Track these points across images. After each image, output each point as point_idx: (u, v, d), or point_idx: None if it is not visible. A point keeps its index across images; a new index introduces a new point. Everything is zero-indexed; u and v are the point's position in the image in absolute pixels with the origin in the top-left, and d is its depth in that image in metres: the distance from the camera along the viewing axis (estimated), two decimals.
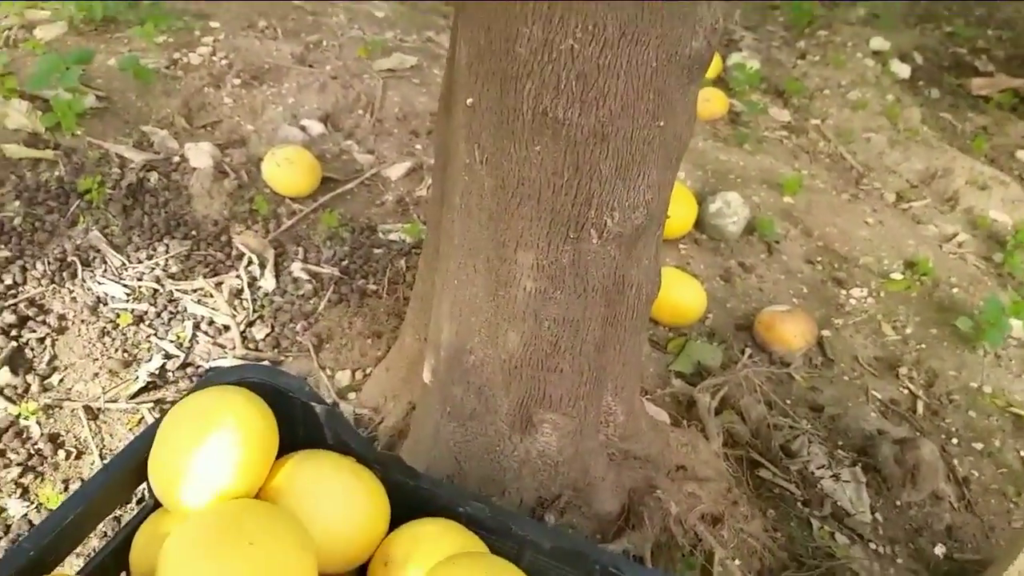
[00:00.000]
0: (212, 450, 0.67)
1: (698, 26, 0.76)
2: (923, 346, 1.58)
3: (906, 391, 1.47)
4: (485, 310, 0.94)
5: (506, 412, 0.99)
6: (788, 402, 1.37)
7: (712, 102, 2.31)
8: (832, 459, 1.26)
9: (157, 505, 0.75)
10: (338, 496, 0.73)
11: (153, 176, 1.73)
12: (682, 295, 1.50)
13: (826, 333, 1.57)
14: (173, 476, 0.68)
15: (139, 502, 1.07)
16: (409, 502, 0.78)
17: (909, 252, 1.84)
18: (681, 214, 1.76)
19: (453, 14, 0.88)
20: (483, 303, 0.93)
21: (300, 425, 0.80)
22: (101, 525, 1.07)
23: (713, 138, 2.23)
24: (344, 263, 1.61)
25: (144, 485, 0.74)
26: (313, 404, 0.79)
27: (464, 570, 0.62)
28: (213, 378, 0.78)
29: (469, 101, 0.84)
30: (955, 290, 1.73)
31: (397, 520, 0.77)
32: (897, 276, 1.75)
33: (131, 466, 0.71)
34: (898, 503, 1.23)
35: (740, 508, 1.06)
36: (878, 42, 2.77)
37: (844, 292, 1.70)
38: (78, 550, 1.03)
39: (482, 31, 0.78)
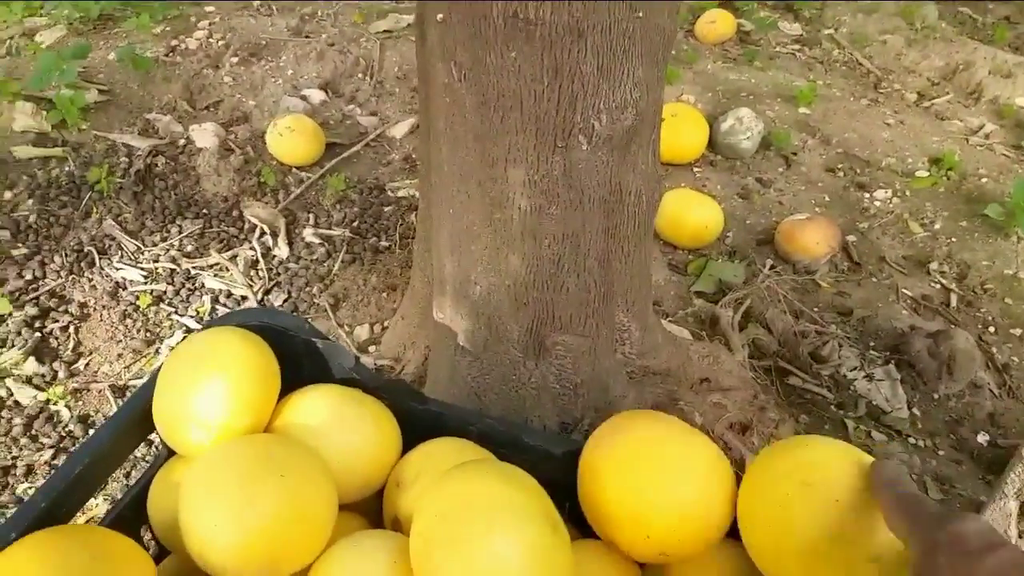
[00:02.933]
0: (210, 387, 0.67)
1: None
2: (953, 239, 1.52)
3: (938, 286, 1.42)
4: (483, 236, 0.92)
5: (518, 339, 0.97)
6: (815, 309, 1.33)
7: (718, 23, 2.25)
8: (864, 360, 1.22)
9: (171, 454, 0.75)
10: (346, 426, 0.73)
11: (160, 161, 1.74)
12: (698, 215, 1.47)
13: (851, 238, 1.52)
14: (175, 417, 0.68)
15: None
16: (419, 426, 0.77)
17: (933, 149, 1.77)
18: (692, 137, 1.71)
19: None
20: (480, 229, 0.91)
21: (304, 363, 0.80)
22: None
23: (723, 59, 2.17)
24: (355, 224, 1.60)
25: (158, 437, 0.74)
26: (315, 340, 0.78)
27: (472, 473, 0.61)
28: (211, 324, 0.78)
29: (440, 16, 0.81)
30: (984, 180, 1.67)
31: (410, 446, 0.76)
32: (922, 173, 1.69)
33: (137, 414, 0.71)
34: (936, 396, 1.19)
35: (769, 414, 1.04)
36: None
37: (868, 195, 1.64)
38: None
39: None
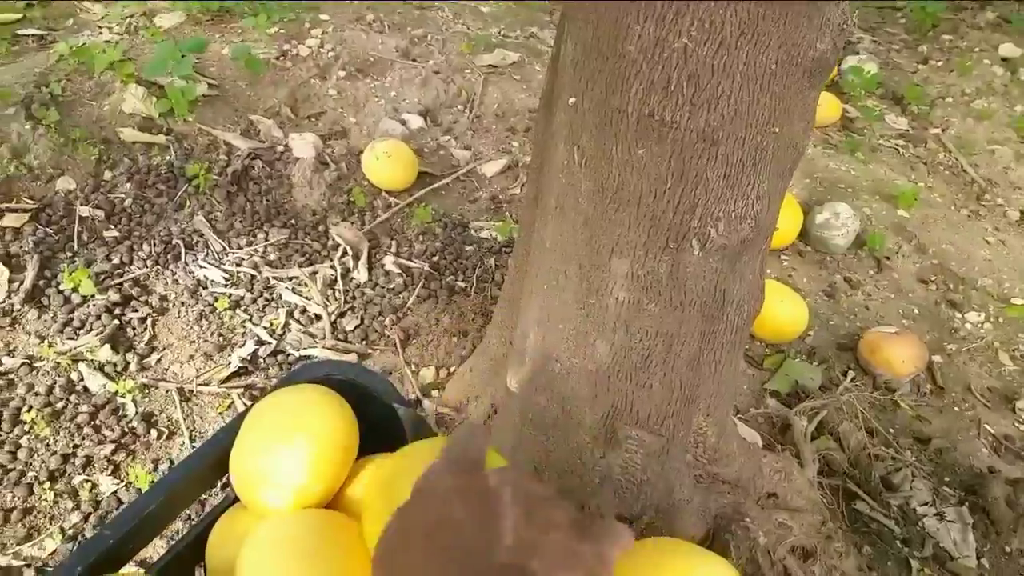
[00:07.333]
0: (291, 451, 0.67)
1: (824, 27, 0.71)
2: None
3: (1023, 427, 1.36)
4: (574, 318, 0.90)
5: (590, 425, 0.96)
6: (891, 431, 1.29)
7: (824, 106, 2.21)
8: (937, 496, 1.17)
9: (236, 499, 0.75)
10: None
11: (257, 164, 1.77)
12: (782, 310, 1.43)
13: (937, 359, 1.47)
14: (252, 474, 0.68)
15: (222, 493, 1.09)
16: None
17: None
18: (785, 224, 1.68)
19: (560, 10, 0.85)
20: (572, 311, 0.90)
21: (382, 425, 0.79)
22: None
23: (823, 144, 2.13)
24: (435, 258, 1.61)
25: (226, 477, 0.74)
26: (396, 406, 0.78)
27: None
28: (301, 372, 0.78)
29: (571, 100, 0.81)
30: None
31: None
32: (1018, 301, 1.63)
33: (213, 459, 0.72)
34: (1008, 550, 1.13)
35: (834, 543, 1.00)
36: (1008, 48, 2.59)
37: (959, 316, 1.59)
38: None
39: (590, 28, 0.75)
